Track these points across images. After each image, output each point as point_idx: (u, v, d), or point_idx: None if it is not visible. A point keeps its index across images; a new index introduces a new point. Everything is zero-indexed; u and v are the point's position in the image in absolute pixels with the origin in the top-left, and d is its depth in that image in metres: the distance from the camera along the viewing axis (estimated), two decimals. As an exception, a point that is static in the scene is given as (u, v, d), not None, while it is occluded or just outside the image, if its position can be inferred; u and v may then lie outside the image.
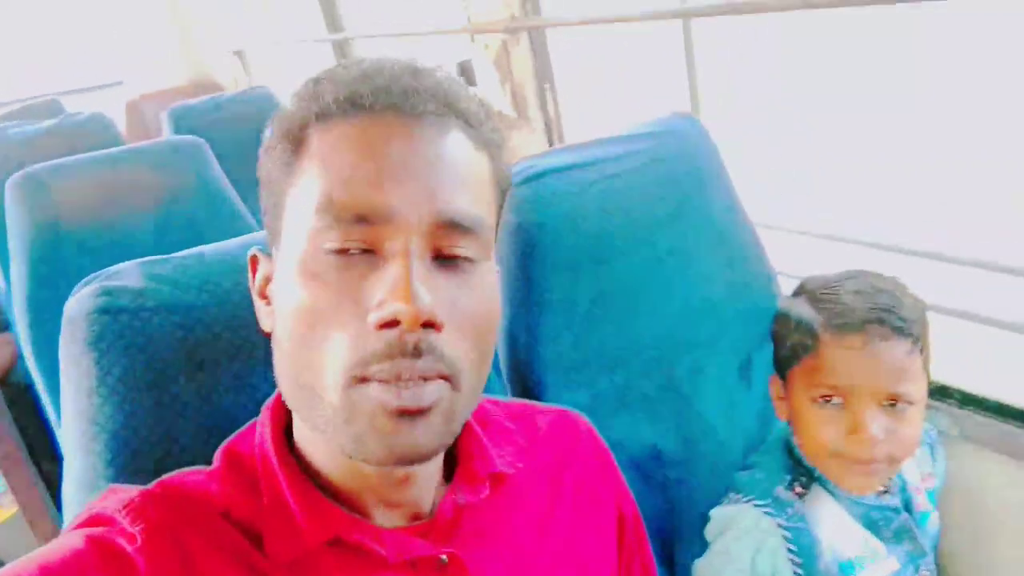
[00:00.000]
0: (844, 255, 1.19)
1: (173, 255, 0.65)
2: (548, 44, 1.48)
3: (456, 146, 0.47)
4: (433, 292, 0.44)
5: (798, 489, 0.80)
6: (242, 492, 0.50)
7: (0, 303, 1.75)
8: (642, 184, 0.95)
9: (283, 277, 0.48)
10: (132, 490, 0.49)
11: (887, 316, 0.74)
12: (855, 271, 0.82)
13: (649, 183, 0.95)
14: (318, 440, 0.50)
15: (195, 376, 0.61)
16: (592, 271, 0.90)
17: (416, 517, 0.53)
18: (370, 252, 0.45)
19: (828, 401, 0.77)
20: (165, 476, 0.51)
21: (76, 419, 0.59)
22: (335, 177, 0.45)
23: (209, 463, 0.53)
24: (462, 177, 0.47)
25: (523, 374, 0.90)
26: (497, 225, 0.52)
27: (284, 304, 0.47)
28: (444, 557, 0.51)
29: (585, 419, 0.67)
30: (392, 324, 0.43)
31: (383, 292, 0.43)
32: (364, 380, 0.43)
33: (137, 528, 0.46)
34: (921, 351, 0.76)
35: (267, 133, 0.51)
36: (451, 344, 0.45)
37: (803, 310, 0.80)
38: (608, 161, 0.94)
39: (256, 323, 0.62)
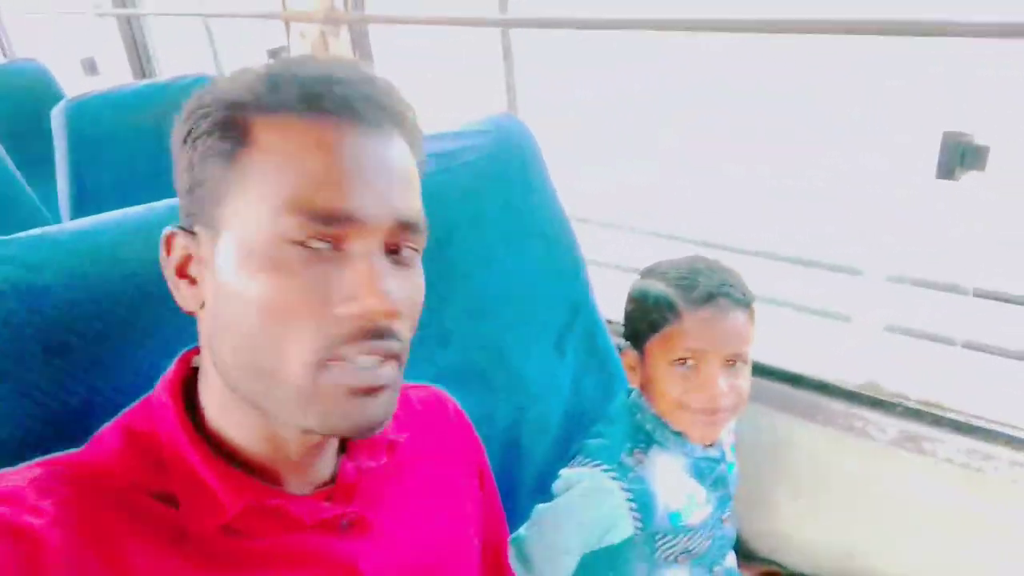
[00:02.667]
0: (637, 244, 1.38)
1: (15, 236, 0.62)
2: (371, 39, 1.52)
3: (402, 155, 0.53)
4: (393, 287, 0.49)
5: (637, 455, 0.93)
6: (148, 468, 0.51)
7: None
8: (475, 176, 1.04)
9: (232, 264, 0.49)
10: (25, 469, 0.48)
11: (732, 291, 0.89)
12: (692, 256, 0.96)
13: (481, 176, 1.04)
14: (241, 418, 0.52)
15: (50, 362, 0.59)
16: (435, 253, 0.96)
17: (320, 484, 0.57)
18: (333, 248, 0.49)
19: (683, 363, 0.89)
20: (50, 456, 0.51)
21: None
22: (303, 177, 0.48)
23: (66, 449, 0.53)
24: (408, 182, 0.53)
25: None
26: None
27: (240, 292, 0.48)
28: (349, 517, 0.56)
29: (448, 395, 0.75)
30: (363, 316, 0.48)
31: (354, 288, 0.48)
32: (331, 360, 0.48)
33: (47, 503, 0.45)
34: (751, 318, 0.91)
35: (191, 118, 0.51)
36: (404, 328, 0.52)
37: (661, 289, 0.92)
38: (444, 155, 1.01)
39: (112, 307, 0.63)
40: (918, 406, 1.04)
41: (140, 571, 0.47)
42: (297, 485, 0.56)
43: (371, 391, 0.49)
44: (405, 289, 0.51)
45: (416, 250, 0.54)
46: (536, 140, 1.12)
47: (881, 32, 0.82)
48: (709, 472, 0.95)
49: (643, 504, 0.90)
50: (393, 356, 0.51)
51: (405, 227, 0.51)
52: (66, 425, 0.59)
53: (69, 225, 0.66)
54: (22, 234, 0.63)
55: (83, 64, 2.87)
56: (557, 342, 1.13)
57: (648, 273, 0.98)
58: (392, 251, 0.52)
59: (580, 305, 1.17)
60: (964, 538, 1.04)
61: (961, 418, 1.00)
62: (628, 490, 0.90)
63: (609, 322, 1.21)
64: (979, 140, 0.89)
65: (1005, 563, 1.02)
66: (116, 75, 2.41)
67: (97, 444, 0.53)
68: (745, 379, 0.91)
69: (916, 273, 1.03)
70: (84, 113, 1.41)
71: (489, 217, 1.04)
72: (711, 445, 0.95)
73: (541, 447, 1.07)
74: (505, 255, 1.06)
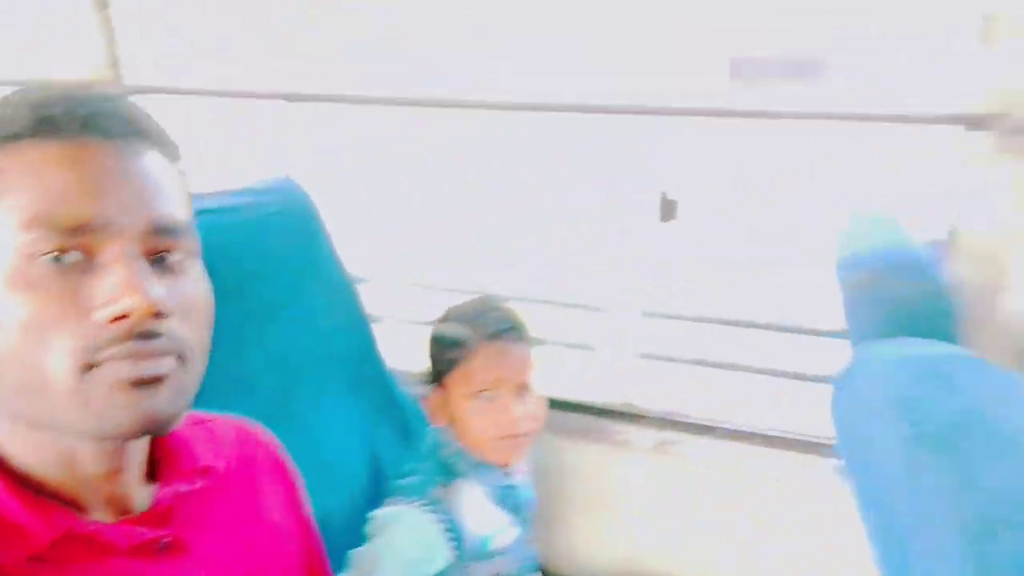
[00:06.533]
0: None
1: None
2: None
3: (154, 162, 0.52)
4: (158, 289, 0.48)
5: (446, 488, 0.99)
6: None
7: None
8: (258, 234, 1.06)
9: None
10: None
11: (516, 326, 1.01)
12: (479, 298, 1.07)
13: (263, 234, 1.07)
14: (29, 443, 0.51)
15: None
16: (230, 300, 0.95)
17: (125, 512, 0.56)
18: (84, 261, 0.47)
19: (481, 394, 0.98)
20: None
21: None
22: (43, 193, 0.47)
23: None
24: (166, 188, 0.52)
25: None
26: None
27: (1, 319, 0.47)
28: (167, 539, 0.55)
29: (261, 426, 0.75)
30: (123, 318, 0.46)
31: (110, 291, 0.47)
32: (95, 366, 0.46)
33: None
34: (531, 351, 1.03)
35: None
36: (178, 328, 0.50)
37: (456, 330, 1.01)
38: (228, 211, 1.03)
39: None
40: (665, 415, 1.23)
41: None
42: (102, 514, 0.54)
43: (146, 382, 0.48)
44: (176, 293, 0.50)
45: (188, 255, 0.53)
46: (312, 200, 1.17)
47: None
48: (510, 499, 1.04)
49: (455, 532, 0.96)
50: (168, 353, 0.49)
51: (163, 230, 0.50)
52: None
53: None
54: None
55: None
56: (348, 391, 1.16)
57: (444, 317, 1.08)
58: (158, 258, 0.51)
59: (366, 356, 1.22)
60: (728, 531, 1.22)
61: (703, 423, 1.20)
62: (442, 520, 0.96)
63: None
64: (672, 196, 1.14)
65: (764, 548, 1.20)
66: None
67: None
68: (535, 405, 1.02)
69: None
70: None
71: (274, 272, 1.07)
72: (508, 475, 1.04)
73: (345, 495, 1.07)
74: (293, 307, 1.09)
